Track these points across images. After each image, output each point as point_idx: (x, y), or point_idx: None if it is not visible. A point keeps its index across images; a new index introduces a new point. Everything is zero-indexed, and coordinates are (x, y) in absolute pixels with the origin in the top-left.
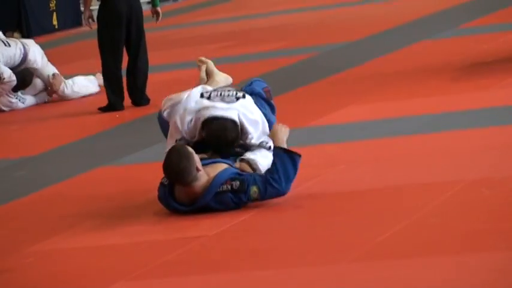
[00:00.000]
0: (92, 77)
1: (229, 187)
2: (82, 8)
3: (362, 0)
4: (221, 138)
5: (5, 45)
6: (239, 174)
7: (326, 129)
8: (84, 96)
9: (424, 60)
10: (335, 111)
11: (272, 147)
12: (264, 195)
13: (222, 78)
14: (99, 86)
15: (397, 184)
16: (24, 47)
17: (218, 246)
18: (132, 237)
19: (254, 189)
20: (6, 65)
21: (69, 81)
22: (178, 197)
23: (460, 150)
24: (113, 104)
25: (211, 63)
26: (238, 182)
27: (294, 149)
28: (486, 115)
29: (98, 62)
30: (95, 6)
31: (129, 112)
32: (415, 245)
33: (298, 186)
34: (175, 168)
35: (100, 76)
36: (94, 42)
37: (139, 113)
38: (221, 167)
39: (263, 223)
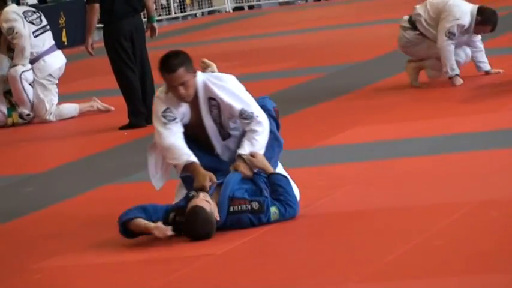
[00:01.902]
0: (75, 105)
1: (248, 207)
2: None
3: (371, 21)
4: None
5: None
6: (252, 194)
7: (333, 150)
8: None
9: (430, 82)
10: (342, 132)
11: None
12: (283, 217)
13: None
14: (80, 112)
15: (404, 205)
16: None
17: (226, 265)
18: (139, 254)
19: (274, 210)
20: None
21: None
22: None
23: (468, 172)
24: (134, 123)
25: (214, 66)
26: (257, 203)
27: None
28: (494, 137)
29: (106, 79)
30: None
31: (137, 130)
32: (421, 266)
33: (306, 206)
34: (201, 235)
35: (96, 100)
36: (103, 59)
37: (146, 131)
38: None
39: (271, 242)
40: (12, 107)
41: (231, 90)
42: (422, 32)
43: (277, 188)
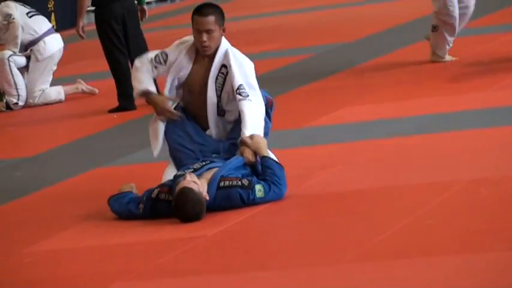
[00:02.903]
0: (59, 88)
1: (239, 183)
2: None
3: (358, 1)
4: None
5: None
6: (241, 174)
7: (323, 130)
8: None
9: (420, 61)
10: (332, 112)
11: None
12: (267, 194)
13: None
14: (66, 95)
15: (394, 185)
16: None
17: (217, 247)
18: (130, 237)
19: (259, 188)
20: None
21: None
22: None
23: (458, 150)
24: (124, 105)
25: None
26: (246, 180)
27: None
28: (484, 116)
29: (96, 62)
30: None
31: (127, 113)
32: (413, 246)
33: (296, 187)
34: (191, 215)
35: (81, 82)
36: (92, 43)
37: (136, 114)
38: (215, 170)
39: (261, 223)
40: (1, 95)
41: (244, 68)
42: None
43: (266, 169)
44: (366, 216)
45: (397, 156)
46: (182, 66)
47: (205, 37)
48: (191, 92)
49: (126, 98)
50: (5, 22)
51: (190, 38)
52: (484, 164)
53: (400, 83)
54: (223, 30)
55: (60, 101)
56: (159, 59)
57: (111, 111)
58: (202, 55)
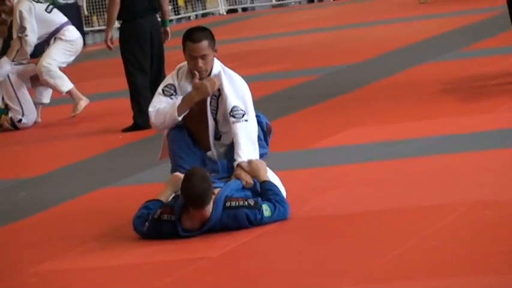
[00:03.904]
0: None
1: (245, 203)
2: (86, 28)
3: (364, 23)
4: None
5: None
6: (245, 194)
7: (328, 152)
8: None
9: (427, 82)
10: (337, 133)
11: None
12: (274, 214)
13: None
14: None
15: (399, 206)
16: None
17: (220, 268)
18: (134, 258)
19: (265, 207)
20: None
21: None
22: (186, 226)
23: (463, 172)
24: (140, 124)
25: None
26: (252, 200)
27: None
28: (488, 137)
29: (102, 82)
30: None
31: (131, 133)
32: (416, 268)
33: (299, 208)
34: (198, 191)
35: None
36: (96, 62)
37: (141, 134)
38: (217, 190)
39: (265, 245)
40: (5, 109)
41: (237, 88)
42: None
43: (267, 191)
44: (370, 238)
45: (401, 178)
46: (185, 92)
47: (200, 63)
48: (192, 117)
49: (140, 116)
50: (20, 34)
51: (185, 63)
52: (489, 186)
53: (405, 105)
54: (215, 51)
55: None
56: (169, 91)
57: (125, 130)
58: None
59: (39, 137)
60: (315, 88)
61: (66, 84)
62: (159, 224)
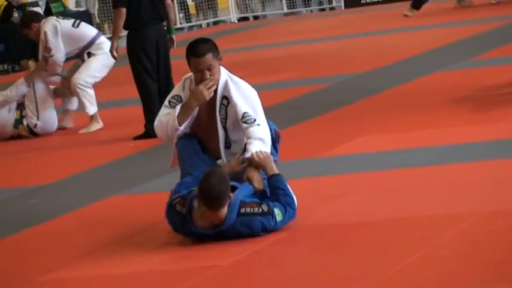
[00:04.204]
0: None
1: (260, 210)
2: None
3: (375, 31)
4: None
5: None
6: (259, 198)
7: (338, 160)
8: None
9: (437, 91)
10: (346, 142)
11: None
12: (285, 217)
13: None
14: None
15: (409, 216)
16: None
17: (231, 277)
18: (144, 266)
19: (277, 211)
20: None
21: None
22: (198, 224)
23: (474, 181)
24: (151, 132)
25: None
26: (266, 205)
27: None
28: (499, 147)
29: (110, 91)
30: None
31: (143, 141)
32: (427, 277)
33: (310, 216)
34: (215, 191)
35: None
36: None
37: (152, 142)
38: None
39: (275, 254)
40: (20, 119)
41: (246, 94)
42: None
43: (276, 190)
44: (381, 247)
45: (412, 186)
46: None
47: (207, 74)
48: (201, 126)
49: (152, 124)
50: (46, 54)
51: (192, 74)
52: (501, 195)
53: (415, 114)
54: (220, 60)
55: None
56: (175, 102)
57: (136, 138)
58: None
59: (49, 145)
60: (326, 96)
61: (92, 108)
62: (172, 213)
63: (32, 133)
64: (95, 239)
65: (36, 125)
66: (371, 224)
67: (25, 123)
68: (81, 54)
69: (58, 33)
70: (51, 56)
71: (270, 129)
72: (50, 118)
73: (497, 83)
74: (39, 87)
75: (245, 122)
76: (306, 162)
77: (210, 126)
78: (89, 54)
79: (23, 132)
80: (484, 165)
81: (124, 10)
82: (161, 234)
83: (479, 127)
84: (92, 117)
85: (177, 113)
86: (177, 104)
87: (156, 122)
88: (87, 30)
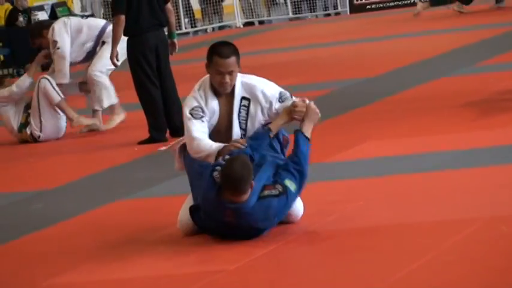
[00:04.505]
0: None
1: (276, 192)
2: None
3: (380, 37)
4: None
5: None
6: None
7: (344, 165)
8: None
9: (443, 97)
10: (353, 146)
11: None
12: (298, 186)
13: None
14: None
15: (415, 221)
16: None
17: (237, 281)
18: (150, 271)
19: (289, 182)
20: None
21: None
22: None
23: (479, 187)
24: (155, 137)
25: None
26: (279, 185)
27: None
28: (505, 152)
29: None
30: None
31: (147, 146)
32: (433, 283)
33: (316, 222)
34: (236, 175)
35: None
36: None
37: (156, 147)
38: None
39: (281, 258)
40: (25, 123)
41: (264, 81)
42: None
43: (295, 149)
44: (386, 252)
45: (417, 192)
46: (213, 110)
47: (227, 78)
48: (218, 132)
49: (156, 129)
50: (52, 50)
51: (204, 81)
52: (505, 201)
53: (421, 119)
54: (240, 67)
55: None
56: (198, 113)
57: (141, 143)
58: (220, 94)
59: (53, 149)
60: (331, 102)
61: (107, 101)
62: (210, 184)
63: (36, 141)
64: (99, 243)
65: (39, 136)
66: (377, 229)
67: (28, 132)
68: (96, 46)
69: (67, 28)
70: (58, 48)
71: (277, 134)
72: (53, 129)
73: (503, 89)
74: (43, 102)
75: (283, 101)
76: (311, 167)
77: (228, 131)
78: (103, 43)
79: (28, 138)
80: (488, 170)
81: (123, 17)
82: (165, 239)
83: (484, 132)
84: (113, 110)
85: (217, 151)
86: (201, 116)
87: (195, 135)
88: (97, 21)
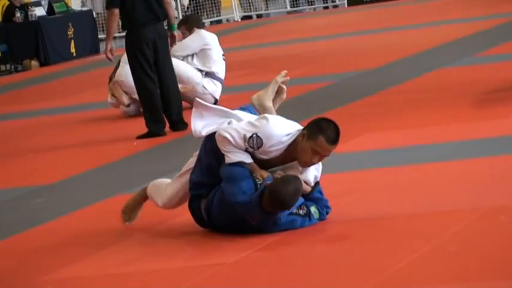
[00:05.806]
0: None
1: (302, 212)
2: (100, 36)
3: (380, 29)
4: None
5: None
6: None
7: (343, 157)
8: None
9: (442, 88)
10: (352, 139)
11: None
12: (321, 214)
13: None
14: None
15: (414, 212)
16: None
17: (236, 275)
18: (149, 265)
19: (314, 210)
20: None
21: None
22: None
23: (478, 178)
24: (153, 131)
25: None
26: (304, 208)
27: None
28: (503, 143)
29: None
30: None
31: (146, 140)
32: (432, 273)
33: None
34: (289, 199)
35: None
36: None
37: (155, 141)
38: None
39: (281, 251)
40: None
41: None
42: None
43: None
44: (387, 243)
45: (417, 183)
46: (271, 153)
47: (318, 159)
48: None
49: (155, 123)
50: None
51: (295, 135)
52: (504, 191)
53: (421, 110)
54: None
55: None
56: (253, 144)
57: (140, 137)
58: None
59: (53, 144)
60: (332, 94)
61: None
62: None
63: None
64: (98, 238)
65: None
66: (376, 220)
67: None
68: None
69: None
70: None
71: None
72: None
73: (502, 79)
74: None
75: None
76: None
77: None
78: None
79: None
80: (487, 161)
81: (116, 11)
82: (164, 234)
83: (484, 123)
84: None
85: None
86: (253, 148)
87: (228, 145)
88: None
